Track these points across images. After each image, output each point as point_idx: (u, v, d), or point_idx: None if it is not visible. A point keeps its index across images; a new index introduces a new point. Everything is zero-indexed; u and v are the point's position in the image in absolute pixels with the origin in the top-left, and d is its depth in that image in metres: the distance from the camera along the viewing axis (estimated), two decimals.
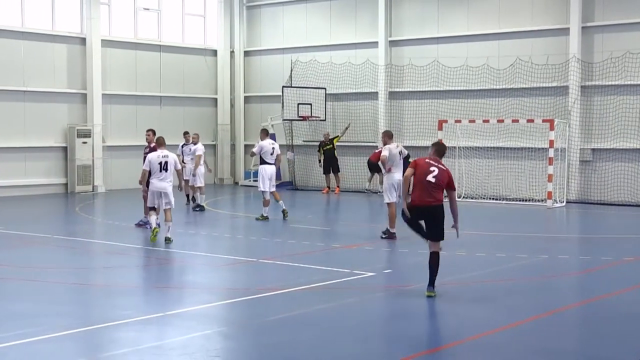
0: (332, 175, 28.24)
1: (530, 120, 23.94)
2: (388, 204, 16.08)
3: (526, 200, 23.98)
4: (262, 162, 19.39)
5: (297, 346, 8.60)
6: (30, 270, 13.08)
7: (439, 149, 11.12)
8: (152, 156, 15.69)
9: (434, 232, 10.82)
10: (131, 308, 10.27)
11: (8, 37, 25.83)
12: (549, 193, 22.86)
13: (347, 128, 28.25)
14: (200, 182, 21.44)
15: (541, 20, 25.28)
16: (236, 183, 31.67)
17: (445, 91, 26.78)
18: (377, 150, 27.03)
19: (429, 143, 25.70)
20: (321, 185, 28.73)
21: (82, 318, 9.81)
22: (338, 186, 28.04)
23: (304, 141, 29.83)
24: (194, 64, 31.22)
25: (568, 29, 24.47)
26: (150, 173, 15.66)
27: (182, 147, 22.88)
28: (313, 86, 28.85)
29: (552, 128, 22.63)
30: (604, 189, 24.14)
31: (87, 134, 27.20)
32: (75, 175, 26.95)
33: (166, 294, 11.53)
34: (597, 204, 23.68)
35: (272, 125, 29.26)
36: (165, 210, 15.69)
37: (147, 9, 29.72)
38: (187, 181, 21.83)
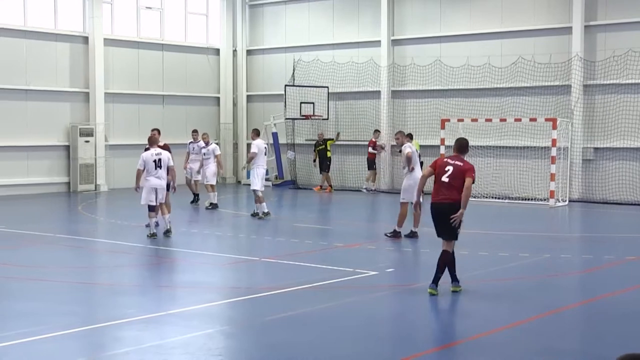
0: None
1: (533, 119, 23.93)
2: (402, 203, 15.91)
3: (528, 199, 23.96)
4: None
5: (299, 345, 8.60)
6: (32, 269, 13.10)
7: (457, 145, 11.10)
8: (146, 155, 16.21)
9: (445, 231, 10.85)
10: (133, 307, 10.28)
11: (11, 36, 25.83)
12: (552, 192, 22.84)
13: (337, 136, 28.60)
14: (212, 181, 21.60)
15: (543, 19, 25.25)
16: (239, 182, 31.66)
17: (447, 90, 26.77)
18: (370, 140, 27.17)
19: (431, 142, 26.09)
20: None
21: (85, 317, 9.82)
22: (330, 185, 27.98)
23: (306, 140, 29.83)
24: (196, 62, 31.21)
25: (570, 27, 24.46)
26: (145, 171, 16.12)
27: (190, 144, 22.82)
28: (316, 85, 28.85)
29: (554, 127, 22.62)
30: (607, 187, 24.12)
31: (89, 133, 27.21)
32: (77, 174, 26.95)
33: (168, 293, 11.54)
34: (600, 202, 23.66)
35: (275, 124, 29.26)
36: (160, 204, 16.24)
37: (150, 8, 29.72)
38: (196, 181, 22.08)
